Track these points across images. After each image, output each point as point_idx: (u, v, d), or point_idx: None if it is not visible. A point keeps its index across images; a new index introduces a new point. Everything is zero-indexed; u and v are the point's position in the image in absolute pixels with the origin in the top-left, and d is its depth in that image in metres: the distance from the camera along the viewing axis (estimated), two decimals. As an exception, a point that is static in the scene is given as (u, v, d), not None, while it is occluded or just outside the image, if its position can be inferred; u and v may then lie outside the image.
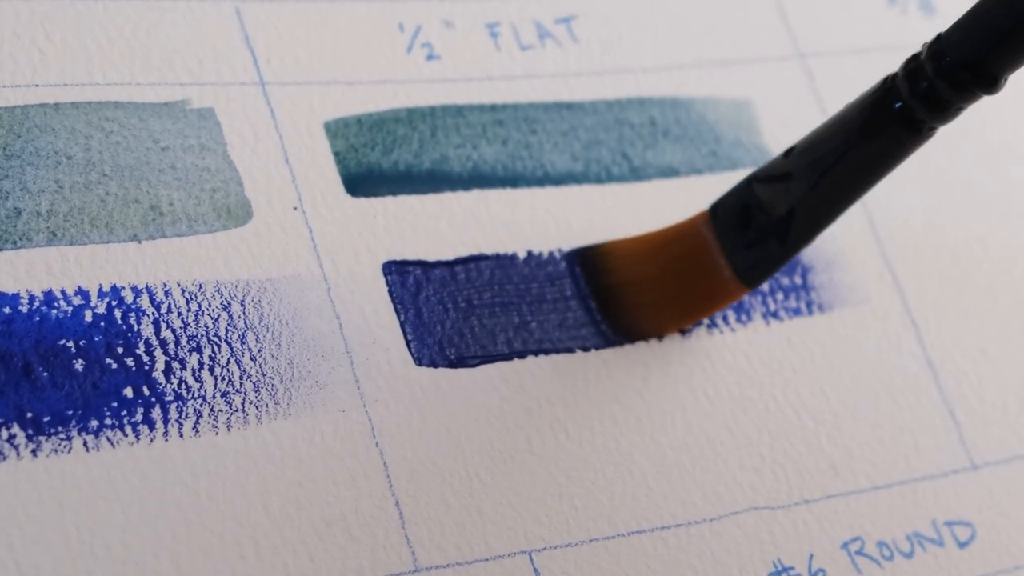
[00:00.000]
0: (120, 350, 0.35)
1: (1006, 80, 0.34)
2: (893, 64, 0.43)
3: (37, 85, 0.37)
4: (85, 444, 0.33)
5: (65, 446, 0.33)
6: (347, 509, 0.35)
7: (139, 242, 0.36)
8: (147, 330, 0.35)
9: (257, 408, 0.35)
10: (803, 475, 0.39)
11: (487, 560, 0.36)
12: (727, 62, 0.45)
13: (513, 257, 0.40)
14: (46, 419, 0.33)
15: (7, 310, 0.34)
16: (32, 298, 0.34)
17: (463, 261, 0.39)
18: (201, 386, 0.35)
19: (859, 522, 0.39)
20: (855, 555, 0.39)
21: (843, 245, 0.43)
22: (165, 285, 0.36)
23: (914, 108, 0.35)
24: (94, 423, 0.34)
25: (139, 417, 0.34)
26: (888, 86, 0.35)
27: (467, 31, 0.42)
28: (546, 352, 0.39)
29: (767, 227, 0.38)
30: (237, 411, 0.35)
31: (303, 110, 0.39)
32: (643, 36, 0.44)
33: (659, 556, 0.37)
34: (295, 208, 0.38)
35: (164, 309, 0.35)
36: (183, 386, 0.35)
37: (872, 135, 0.36)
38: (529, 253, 0.40)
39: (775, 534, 0.39)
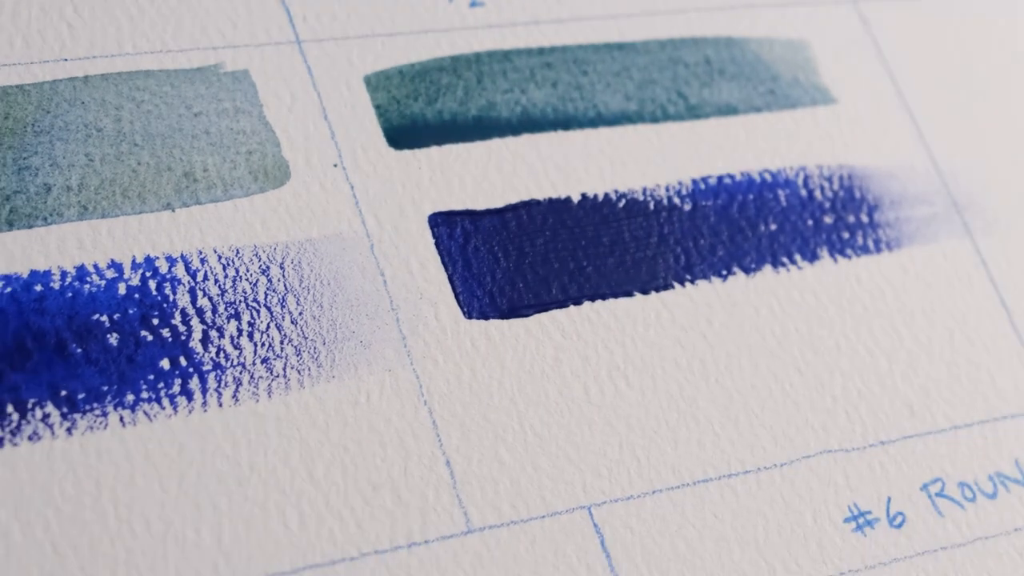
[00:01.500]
0: (155, 322, 0.34)
1: None
2: (946, 9, 0.43)
3: (66, 59, 0.36)
4: (121, 419, 0.33)
5: (101, 422, 0.33)
6: (395, 472, 0.34)
7: (173, 210, 0.35)
8: (183, 299, 0.34)
9: (299, 372, 0.34)
10: (878, 416, 0.38)
11: (544, 517, 0.35)
12: (781, 3, 0.43)
13: (567, 201, 0.38)
14: (81, 396, 0.33)
15: (39, 287, 0.33)
16: (64, 274, 0.34)
17: (513, 208, 0.38)
18: (240, 353, 0.34)
19: (939, 463, 0.38)
20: (936, 497, 0.37)
21: (908, 183, 0.42)
22: (201, 252, 0.35)
23: None
24: (130, 397, 0.33)
25: (176, 389, 0.33)
26: None
27: (512, -26, 0.41)
28: (603, 297, 0.37)
29: None
30: (278, 376, 0.34)
31: (341, 65, 0.38)
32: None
33: (727, 504, 0.36)
34: (335, 165, 0.37)
35: (200, 277, 0.35)
36: (221, 354, 0.34)
37: None
38: (583, 196, 0.39)
39: (850, 477, 0.37)
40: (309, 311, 0.35)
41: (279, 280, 0.35)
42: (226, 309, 0.35)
